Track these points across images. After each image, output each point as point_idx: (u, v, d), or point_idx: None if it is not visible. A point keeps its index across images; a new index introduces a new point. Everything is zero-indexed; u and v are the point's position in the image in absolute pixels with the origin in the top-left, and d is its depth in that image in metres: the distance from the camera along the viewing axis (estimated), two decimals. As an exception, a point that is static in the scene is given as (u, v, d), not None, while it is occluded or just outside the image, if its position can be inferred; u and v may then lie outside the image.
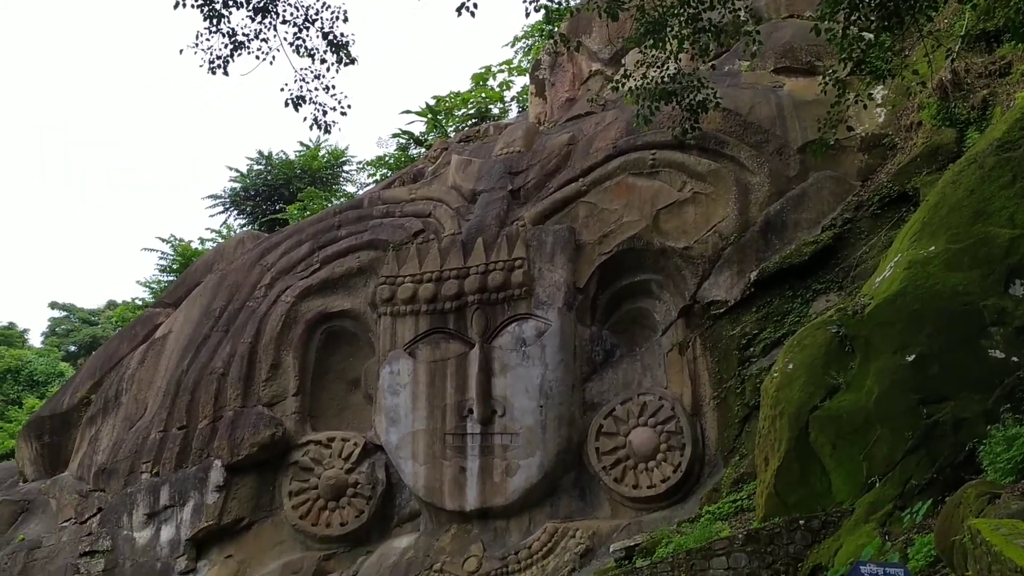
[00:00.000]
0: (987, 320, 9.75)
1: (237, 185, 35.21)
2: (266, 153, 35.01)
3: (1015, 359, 9.48)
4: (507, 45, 33.74)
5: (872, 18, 10.27)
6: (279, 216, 31.72)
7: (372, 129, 79.75)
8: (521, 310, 15.06)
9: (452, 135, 25.95)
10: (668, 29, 11.05)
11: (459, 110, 30.43)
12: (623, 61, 18.01)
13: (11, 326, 57.99)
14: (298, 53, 11.32)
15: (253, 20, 11.05)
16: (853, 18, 10.35)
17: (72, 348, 51.99)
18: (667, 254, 14.90)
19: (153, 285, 34.35)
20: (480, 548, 14.36)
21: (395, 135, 31.96)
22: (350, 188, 35.28)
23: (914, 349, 9.96)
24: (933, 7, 10.42)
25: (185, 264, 30.38)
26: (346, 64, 11.43)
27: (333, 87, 11.53)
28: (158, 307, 20.53)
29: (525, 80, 27.88)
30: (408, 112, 31.35)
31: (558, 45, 17.73)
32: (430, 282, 15.60)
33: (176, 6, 10.74)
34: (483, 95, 30.42)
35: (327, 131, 11.87)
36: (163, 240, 34.85)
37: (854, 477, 10.11)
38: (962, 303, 9.94)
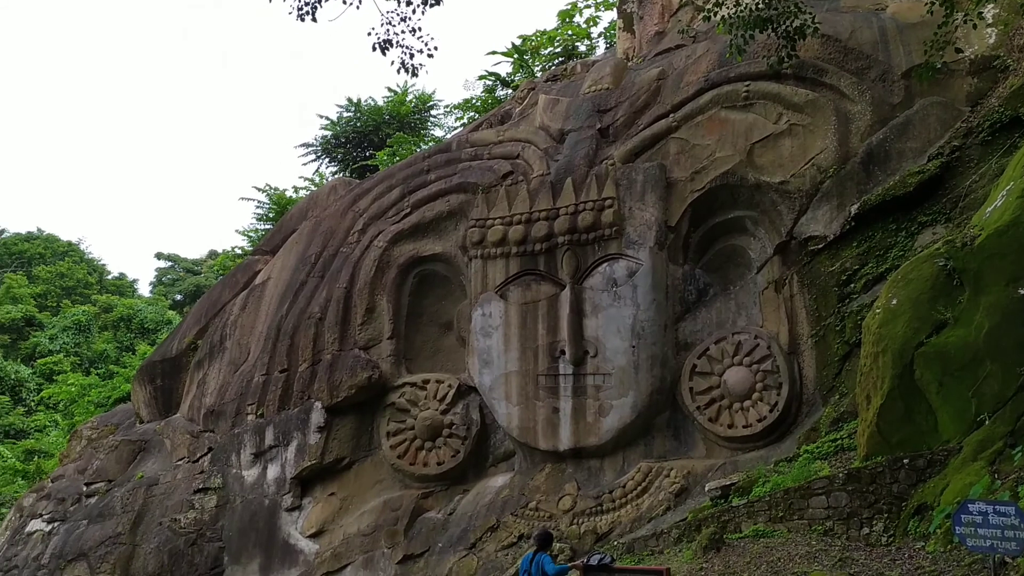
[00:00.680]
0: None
1: (328, 133, 35.89)
2: (355, 100, 35.62)
3: None
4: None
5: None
6: (369, 162, 32.17)
7: (459, 72, 79.80)
8: (612, 250, 14.92)
9: (539, 75, 25.63)
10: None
11: (546, 49, 30.03)
12: (715, -11, 17.37)
13: (122, 276, 61.06)
14: (383, -5, 11.27)
15: (339, -37, 11.04)
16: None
17: (178, 296, 54.38)
18: (762, 189, 14.48)
19: (251, 233, 35.41)
20: (574, 487, 14.51)
21: (481, 77, 31.88)
22: (438, 132, 35.47)
23: (1028, 281, 9.54)
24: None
25: (281, 212, 31.16)
26: (432, 5, 11.38)
27: (419, 29, 11.54)
28: (256, 255, 21.21)
29: (612, 15, 27.27)
30: (494, 53, 31.14)
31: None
32: (520, 224, 15.60)
33: (262, -46, 10.84)
34: (569, 32, 29.89)
35: (414, 74, 11.84)
36: (259, 190, 35.88)
37: (962, 415, 9.84)
38: (1081, 232, 9.45)
